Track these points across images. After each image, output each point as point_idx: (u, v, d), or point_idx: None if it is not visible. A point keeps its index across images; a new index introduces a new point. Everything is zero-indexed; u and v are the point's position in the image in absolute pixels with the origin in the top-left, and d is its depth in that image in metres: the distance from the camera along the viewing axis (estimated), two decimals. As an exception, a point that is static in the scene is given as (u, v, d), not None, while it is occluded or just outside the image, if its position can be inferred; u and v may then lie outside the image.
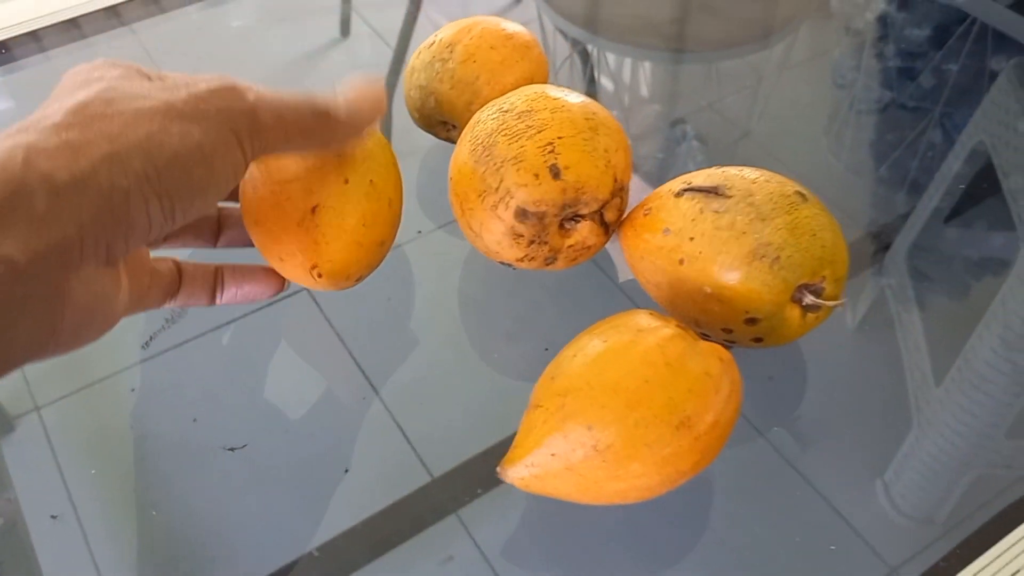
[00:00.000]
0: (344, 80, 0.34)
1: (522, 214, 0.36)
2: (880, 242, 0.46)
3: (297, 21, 0.61)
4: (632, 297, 0.43)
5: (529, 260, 0.37)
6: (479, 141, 0.37)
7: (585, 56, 0.60)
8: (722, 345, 0.33)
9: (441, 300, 0.44)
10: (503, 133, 0.36)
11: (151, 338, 0.40)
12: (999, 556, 0.34)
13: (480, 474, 0.36)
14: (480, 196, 0.37)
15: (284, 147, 0.32)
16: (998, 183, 0.49)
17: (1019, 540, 0.35)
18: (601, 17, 0.63)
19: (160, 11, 0.61)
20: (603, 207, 0.36)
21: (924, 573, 0.34)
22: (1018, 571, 0.34)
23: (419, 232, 0.46)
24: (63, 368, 0.40)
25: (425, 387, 0.40)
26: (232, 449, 0.37)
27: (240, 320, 0.42)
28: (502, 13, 0.63)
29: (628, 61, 0.60)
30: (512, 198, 0.35)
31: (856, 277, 0.44)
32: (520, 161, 0.35)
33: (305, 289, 0.43)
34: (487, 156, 0.36)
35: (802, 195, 0.35)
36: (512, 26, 0.47)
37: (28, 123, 0.26)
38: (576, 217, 0.36)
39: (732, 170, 0.37)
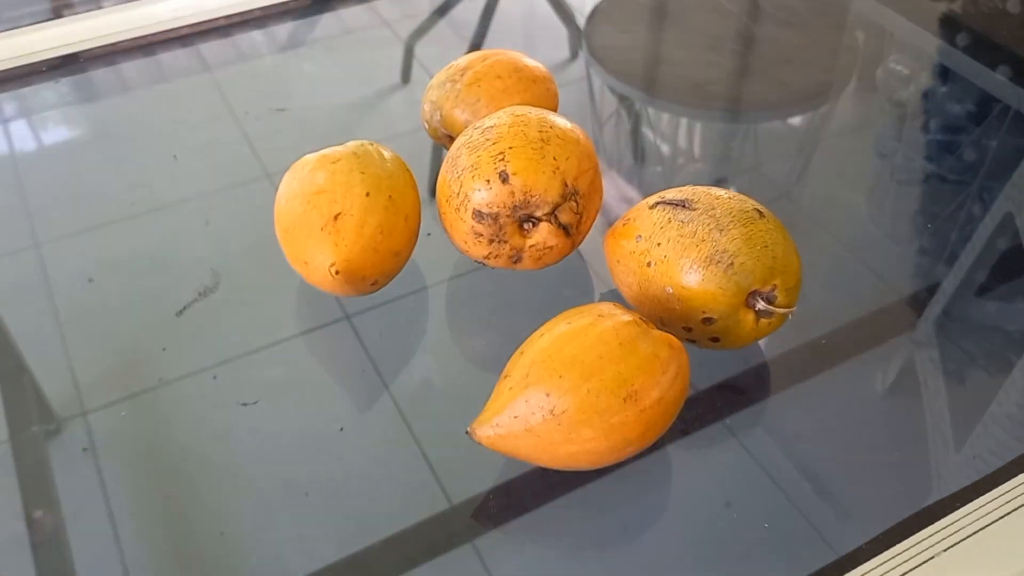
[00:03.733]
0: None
1: (478, 215, 0.41)
2: (915, 309, 0.48)
3: (363, 68, 0.66)
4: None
5: (495, 258, 0.42)
6: (450, 153, 0.43)
7: (631, 113, 0.63)
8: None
9: (471, 322, 0.47)
10: (467, 146, 0.42)
11: (184, 308, 0.46)
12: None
13: (500, 504, 0.38)
14: (448, 200, 0.42)
15: None
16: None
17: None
18: (648, 76, 0.66)
19: (239, 56, 0.67)
20: (556, 209, 0.41)
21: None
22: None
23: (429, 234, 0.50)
24: (112, 375, 0.43)
25: (451, 411, 0.42)
26: (245, 404, 0.42)
27: (279, 345, 0.45)
28: (558, 68, 0.67)
29: (673, 119, 0.62)
30: (469, 201, 0.41)
31: (889, 342, 0.46)
32: (476, 169, 0.41)
33: (345, 317, 0.46)
34: (453, 166, 0.42)
35: (760, 212, 0.40)
36: (529, 62, 0.52)
37: None
38: (532, 219, 0.41)
39: (702, 188, 0.41)
